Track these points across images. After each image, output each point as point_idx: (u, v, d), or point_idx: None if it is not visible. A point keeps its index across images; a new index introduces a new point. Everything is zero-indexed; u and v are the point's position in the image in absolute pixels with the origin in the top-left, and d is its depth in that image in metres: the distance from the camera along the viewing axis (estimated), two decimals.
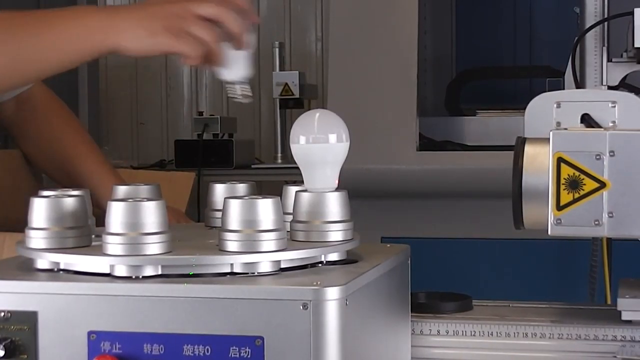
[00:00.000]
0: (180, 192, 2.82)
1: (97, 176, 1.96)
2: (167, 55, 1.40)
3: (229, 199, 1.12)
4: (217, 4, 1.42)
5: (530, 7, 4.34)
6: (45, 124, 2.01)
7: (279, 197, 1.14)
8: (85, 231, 1.18)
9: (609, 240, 2.35)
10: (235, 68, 1.45)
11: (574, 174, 1.22)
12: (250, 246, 1.10)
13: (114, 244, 1.09)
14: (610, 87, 2.62)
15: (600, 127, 1.30)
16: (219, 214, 1.24)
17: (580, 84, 2.60)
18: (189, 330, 1.05)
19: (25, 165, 2.08)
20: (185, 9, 1.40)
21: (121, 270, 1.09)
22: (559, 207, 1.23)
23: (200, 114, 4.49)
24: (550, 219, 1.24)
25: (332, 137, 1.22)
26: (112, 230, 1.10)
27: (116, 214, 1.10)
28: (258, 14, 5.01)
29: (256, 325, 1.04)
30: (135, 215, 1.09)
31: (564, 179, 1.23)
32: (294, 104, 4.22)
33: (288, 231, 1.17)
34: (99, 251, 1.11)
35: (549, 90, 1.36)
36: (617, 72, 2.63)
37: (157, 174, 3.73)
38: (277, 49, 4.42)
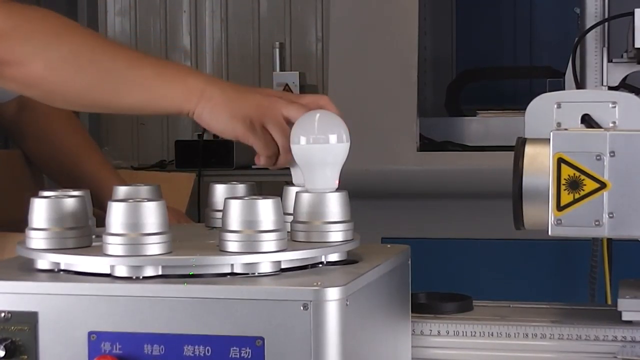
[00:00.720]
0: (181, 193, 2.82)
1: (99, 176, 1.97)
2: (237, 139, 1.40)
3: (229, 199, 1.12)
4: (307, 108, 1.40)
5: (530, 8, 4.34)
6: (47, 124, 2.01)
7: (280, 198, 1.14)
8: (85, 231, 1.18)
9: (609, 240, 2.35)
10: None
11: (574, 174, 1.22)
12: (251, 246, 1.10)
13: (114, 245, 1.09)
14: (610, 88, 2.61)
15: (600, 127, 1.30)
16: (219, 215, 1.24)
17: (580, 84, 2.60)
18: (189, 331, 1.05)
19: (26, 166, 2.08)
20: (275, 105, 1.40)
21: (121, 271, 1.09)
22: (560, 208, 1.23)
23: None
24: (551, 220, 1.24)
25: (333, 138, 1.22)
26: (113, 231, 1.10)
27: (116, 215, 1.10)
28: (258, 14, 5.01)
29: (256, 326, 1.04)
30: (136, 216, 1.09)
31: (565, 179, 1.23)
32: None
33: (288, 232, 1.17)
34: (100, 252, 1.11)
35: (549, 91, 1.36)
36: (617, 73, 2.63)
37: (157, 174, 3.73)
38: (277, 50, 4.42)
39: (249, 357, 1.04)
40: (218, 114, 1.40)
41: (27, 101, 2.02)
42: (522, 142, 1.28)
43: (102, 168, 2.00)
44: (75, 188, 1.29)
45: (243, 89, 1.45)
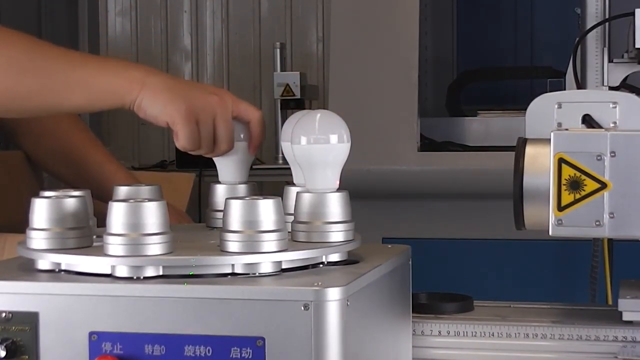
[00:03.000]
0: (180, 193, 2.82)
1: (106, 168, 1.97)
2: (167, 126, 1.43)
3: (230, 199, 1.12)
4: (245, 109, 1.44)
5: (531, 8, 4.34)
6: (52, 120, 2.01)
7: (280, 198, 1.14)
8: (86, 232, 1.18)
9: (609, 240, 2.35)
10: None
11: (575, 174, 1.22)
12: (252, 247, 1.10)
13: (115, 245, 1.09)
14: (611, 88, 2.61)
15: (601, 127, 1.30)
16: (220, 215, 1.24)
17: (581, 84, 2.60)
18: (190, 331, 1.05)
19: (27, 167, 2.08)
20: (225, 101, 1.42)
21: (122, 271, 1.09)
22: (560, 208, 1.23)
23: None
24: (551, 220, 1.24)
25: (333, 138, 1.22)
26: (113, 231, 1.10)
27: (117, 215, 1.10)
28: (259, 14, 5.01)
29: (257, 326, 1.04)
30: (137, 216, 1.09)
31: (565, 179, 1.23)
32: (295, 105, 4.22)
33: (289, 232, 1.17)
34: (100, 252, 1.11)
35: (550, 91, 1.36)
36: (618, 73, 2.63)
37: (158, 174, 3.73)
38: (278, 50, 4.42)
39: (250, 357, 1.04)
40: (155, 100, 1.42)
41: None
42: (522, 142, 1.28)
43: (108, 161, 2.00)
44: (81, 182, 1.29)
45: (184, 81, 1.50)
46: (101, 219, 1.18)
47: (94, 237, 1.19)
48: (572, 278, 2.85)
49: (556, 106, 1.33)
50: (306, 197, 1.19)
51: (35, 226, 1.16)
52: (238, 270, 1.10)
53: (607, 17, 2.64)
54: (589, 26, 2.65)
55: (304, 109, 4.12)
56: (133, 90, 1.42)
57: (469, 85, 3.56)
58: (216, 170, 1.43)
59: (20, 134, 2.05)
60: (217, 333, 1.05)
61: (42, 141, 2.03)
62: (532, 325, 1.35)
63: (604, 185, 1.22)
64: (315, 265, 1.17)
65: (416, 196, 2.88)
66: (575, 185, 1.23)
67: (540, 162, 1.25)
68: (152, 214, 1.10)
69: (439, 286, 1.51)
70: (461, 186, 2.81)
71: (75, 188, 1.30)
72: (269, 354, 1.04)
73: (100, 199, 1.51)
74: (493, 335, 1.36)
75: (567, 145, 1.23)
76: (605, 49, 2.64)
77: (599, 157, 1.22)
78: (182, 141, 1.41)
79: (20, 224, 1.31)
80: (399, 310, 1.30)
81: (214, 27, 5.08)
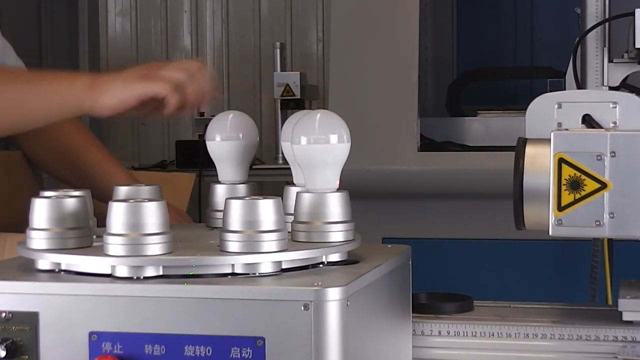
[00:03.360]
0: (181, 193, 2.82)
1: (107, 166, 1.98)
2: (143, 98, 1.58)
3: (230, 199, 1.12)
4: (182, 69, 1.58)
5: (531, 8, 4.35)
6: None
7: (280, 198, 1.14)
8: (86, 232, 1.18)
9: (610, 240, 2.35)
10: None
11: (575, 174, 1.22)
12: (252, 247, 1.10)
13: (115, 245, 1.09)
14: (611, 88, 2.61)
15: (601, 127, 1.30)
16: (220, 215, 1.24)
17: (581, 84, 2.60)
18: (190, 331, 1.05)
19: (27, 167, 2.08)
20: (157, 67, 1.58)
21: (122, 271, 1.09)
22: (560, 208, 1.23)
23: (202, 114, 4.49)
24: (551, 220, 1.24)
25: (333, 138, 1.22)
26: (113, 231, 1.10)
27: (117, 215, 1.10)
28: (259, 14, 5.01)
29: (257, 326, 1.04)
30: (137, 216, 1.09)
31: (565, 179, 1.23)
32: (295, 105, 4.22)
33: (289, 232, 1.17)
34: (100, 252, 1.11)
35: (550, 91, 1.36)
36: (618, 73, 2.63)
37: (158, 174, 3.74)
38: (278, 50, 4.42)
39: (250, 357, 1.04)
40: (112, 90, 1.55)
41: None
42: (522, 142, 1.28)
43: (108, 161, 2.01)
44: (81, 182, 1.29)
45: (125, 69, 1.62)
46: (101, 219, 1.18)
47: (94, 237, 1.19)
48: (572, 278, 2.85)
49: (556, 106, 1.33)
50: (306, 197, 1.19)
51: (35, 226, 1.16)
52: (238, 270, 1.10)
53: (607, 17, 2.64)
54: (589, 26, 2.65)
55: (304, 109, 4.12)
56: (87, 94, 1.56)
57: (469, 85, 3.57)
58: (216, 170, 1.42)
59: (20, 134, 2.05)
60: (217, 333, 1.05)
61: (41, 141, 2.03)
62: (532, 325, 1.35)
63: (604, 185, 1.22)
64: (315, 265, 1.17)
65: (416, 196, 2.88)
66: (575, 185, 1.23)
67: (540, 162, 1.25)
68: (152, 214, 1.10)
69: (439, 286, 1.51)
70: (461, 186, 2.81)
71: (75, 188, 1.30)
72: (269, 354, 1.04)
73: (100, 199, 1.51)
74: (493, 335, 1.36)
75: (567, 145, 1.23)
76: (605, 49, 2.64)
77: (599, 157, 1.22)
78: (168, 98, 1.54)
79: (20, 224, 1.31)
80: (399, 310, 1.30)
81: (214, 27, 5.08)
